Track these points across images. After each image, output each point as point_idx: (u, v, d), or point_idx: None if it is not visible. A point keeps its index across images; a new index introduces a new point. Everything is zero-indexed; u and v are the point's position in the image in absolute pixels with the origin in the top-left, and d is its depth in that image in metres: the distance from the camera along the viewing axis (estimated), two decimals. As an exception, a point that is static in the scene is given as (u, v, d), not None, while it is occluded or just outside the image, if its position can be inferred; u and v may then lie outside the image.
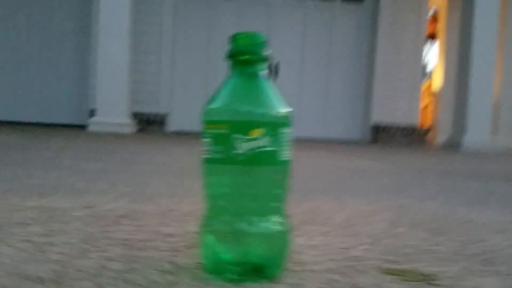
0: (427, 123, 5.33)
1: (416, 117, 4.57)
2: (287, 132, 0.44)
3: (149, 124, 4.23)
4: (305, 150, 2.57)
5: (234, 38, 0.44)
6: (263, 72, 0.44)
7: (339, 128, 4.60)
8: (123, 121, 3.56)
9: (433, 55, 5.51)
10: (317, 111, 4.57)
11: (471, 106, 3.70)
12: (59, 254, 0.50)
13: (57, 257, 0.48)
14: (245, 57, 0.44)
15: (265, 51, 0.44)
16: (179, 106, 4.30)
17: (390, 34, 4.46)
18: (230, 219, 0.43)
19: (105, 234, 0.58)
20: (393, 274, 0.47)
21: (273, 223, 0.44)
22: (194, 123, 4.17)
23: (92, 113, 3.74)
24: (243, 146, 0.42)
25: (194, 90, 4.34)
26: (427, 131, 4.64)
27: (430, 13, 5.16)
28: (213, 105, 0.43)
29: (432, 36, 5.93)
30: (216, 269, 0.44)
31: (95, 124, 3.49)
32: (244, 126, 0.42)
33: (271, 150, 0.42)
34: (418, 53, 4.55)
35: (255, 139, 0.42)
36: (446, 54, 5.00)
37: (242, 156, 0.42)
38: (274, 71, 4.06)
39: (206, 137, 0.44)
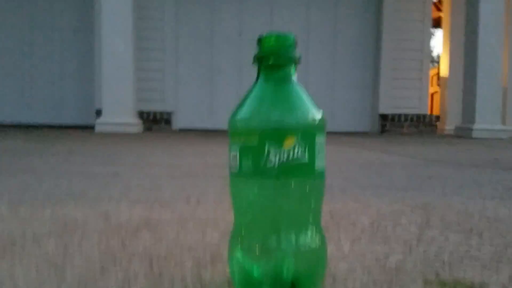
0: (435, 111, 5.28)
1: (424, 106, 4.52)
2: (322, 141, 0.41)
3: (155, 122, 4.20)
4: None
5: (262, 40, 0.40)
6: (294, 76, 0.41)
7: (345, 120, 4.56)
8: (129, 121, 3.54)
9: (438, 43, 5.46)
10: (323, 103, 4.52)
11: (479, 93, 3.65)
12: (78, 273, 0.47)
13: (76, 278, 0.45)
14: (275, 60, 0.40)
15: (295, 52, 0.41)
16: (184, 103, 4.28)
17: (395, 22, 4.40)
18: (262, 235, 0.40)
19: (124, 248, 0.55)
20: (437, 286, 0.44)
21: (308, 239, 0.40)
22: (200, 120, 4.15)
23: (98, 113, 3.72)
24: (275, 158, 0.38)
25: (198, 86, 4.31)
26: (436, 119, 4.59)
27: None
28: (241, 114, 0.40)
29: (437, 24, 5.86)
30: (247, 286, 0.41)
31: (102, 124, 3.47)
32: (277, 136, 0.38)
33: (306, 161, 0.39)
34: (425, 40, 4.49)
35: (288, 149, 0.38)
36: (452, 41, 4.94)
37: (274, 169, 0.38)
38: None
39: (233, 149, 0.40)
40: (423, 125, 4.47)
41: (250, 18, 4.27)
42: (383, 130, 4.43)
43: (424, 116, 4.48)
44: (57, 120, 4.33)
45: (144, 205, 0.82)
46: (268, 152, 0.38)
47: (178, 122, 4.30)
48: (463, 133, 3.76)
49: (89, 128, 3.78)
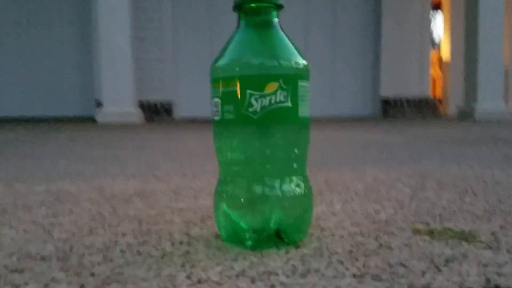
0: (438, 94, 5.25)
1: (426, 89, 4.49)
2: (305, 86, 0.40)
3: (156, 112, 4.20)
4: (314, 127, 2.52)
5: (241, -16, 0.40)
6: (276, 20, 0.40)
7: (347, 105, 4.53)
8: (130, 111, 3.53)
9: (439, 25, 5.42)
10: (324, 88, 4.50)
11: (481, 74, 3.62)
12: (66, 232, 0.46)
13: (64, 236, 0.45)
14: (255, 4, 0.39)
15: (277, -5, 0.40)
16: (185, 93, 4.26)
17: (394, 5, 4.36)
18: (247, 183, 0.39)
19: (115, 212, 0.55)
20: (425, 234, 0.43)
21: (293, 186, 0.40)
22: (201, 109, 4.14)
23: (98, 104, 3.71)
24: (257, 103, 0.38)
25: (199, 75, 4.29)
26: (438, 102, 4.56)
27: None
28: (222, 60, 0.39)
29: (436, 7, 5.82)
30: (234, 237, 0.40)
31: (103, 115, 3.47)
32: (258, 81, 0.37)
33: (289, 106, 0.38)
34: (425, 23, 4.45)
35: (270, 94, 0.38)
36: (452, 23, 4.90)
37: (256, 114, 0.38)
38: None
39: (215, 97, 0.40)
40: (425, 108, 4.44)
41: None
42: (385, 114, 4.41)
43: (426, 99, 4.45)
44: (58, 113, 4.33)
45: (139, 179, 0.82)
46: (250, 97, 0.38)
47: (179, 112, 4.29)
48: (466, 115, 3.74)
49: (91, 119, 3.78)
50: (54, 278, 0.34)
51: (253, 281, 0.33)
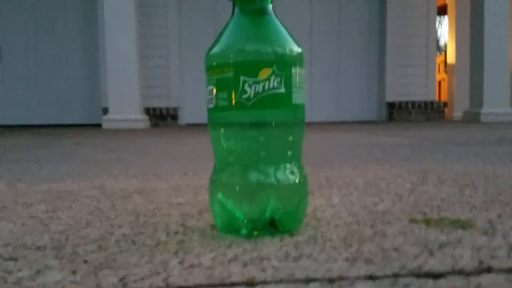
0: (443, 98, 5.23)
1: (432, 93, 4.47)
2: (300, 73, 0.40)
3: (161, 118, 4.21)
4: (319, 131, 2.52)
5: (235, -30, 0.40)
6: (270, 7, 0.40)
7: (353, 109, 4.53)
8: (136, 117, 3.55)
9: (444, 30, 5.41)
10: (330, 93, 4.50)
11: (487, 78, 3.61)
12: (63, 225, 0.47)
13: (60, 228, 0.45)
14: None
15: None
16: (190, 98, 4.28)
17: (399, 9, 4.36)
18: (241, 171, 0.39)
19: (113, 207, 0.55)
20: (422, 223, 0.43)
21: (288, 173, 0.40)
22: (206, 115, 4.14)
23: (105, 111, 3.73)
24: (250, 90, 0.38)
25: (203, 81, 4.30)
26: (444, 106, 4.54)
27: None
28: (216, 48, 0.40)
29: (442, 11, 5.81)
30: (229, 226, 0.40)
31: (109, 121, 3.49)
32: (251, 67, 0.37)
33: (282, 93, 0.38)
34: (430, 26, 4.44)
35: (264, 80, 0.38)
36: (458, 27, 4.89)
37: (250, 101, 0.38)
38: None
39: (210, 84, 0.40)
40: (431, 112, 4.43)
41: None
42: (390, 118, 4.39)
43: (432, 102, 4.44)
44: (64, 120, 4.36)
45: (141, 179, 0.82)
46: (243, 83, 0.38)
47: (185, 118, 4.31)
48: (472, 118, 3.72)
49: (97, 126, 3.80)
50: (47, 266, 0.34)
51: (244, 265, 0.32)
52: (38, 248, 0.39)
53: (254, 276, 0.30)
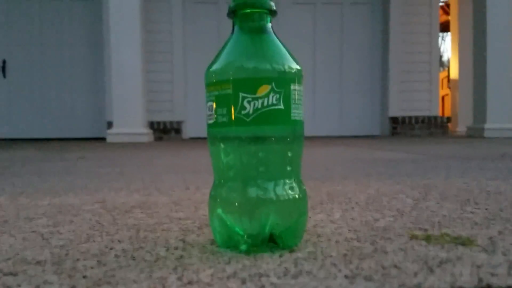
0: (447, 113, 5.23)
1: (435, 108, 4.48)
2: (298, 89, 0.40)
3: (165, 132, 4.23)
4: (322, 146, 2.52)
5: (235, -10, 0.41)
6: (269, 25, 0.41)
7: (356, 124, 4.53)
8: (140, 131, 3.56)
9: (447, 46, 5.44)
10: (333, 108, 4.51)
11: (490, 93, 3.61)
12: (63, 240, 0.47)
13: (61, 243, 0.45)
14: (248, 9, 0.40)
15: (270, 2, 0.41)
16: (194, 113, 4.29)
17: (402, 25, 4.39)
18: (240, 186, 0.39)
19: (114, 221, 0.55)
20: (422, 239, 0.43)
21: (287, 189, 0.40)
22: (210, 129, 4.15)
23: (109, 125, 3.75)
24: (250, 106, 0.38)
25: (208, 96, 4.31)
26: (447, 121, 4.54)
27: (440, 3, 5.08)
28: (216, 65, 0.40)
29: (444, 29, 5.84)
30: (228, 241, 0.40)
31: (113, 135, 3.50)
32: (251, 83, 0.38)
33: (281, 109, 0.39)
34: (433, 43, 4.46)
35: (263, 97, 0.38)
36: (461, 43, 4.91)
37: (249, 117, 0.38)
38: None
39: (209, 101, 0.40)
40: (434, 127, 4.42)
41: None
42: (393, 133, 4.39)
43: (435, 118, 4.44)
44: (69, 134, 4.38)
45: (142, 193, 0.82)
46: (242, 99, 0.38)
47: (188, 131, 4.32)
48: (475, 133, 3.72)
49: (101, 139, 3.81)
50: (47, 281, 0.34)
51: (243, 282, 0.32)
52: (38, 262, 0.39)
53: (253, 292, 0.30)
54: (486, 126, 3.59)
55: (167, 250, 0.41)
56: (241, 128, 0.38)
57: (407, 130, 4.39)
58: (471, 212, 0.56)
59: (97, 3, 4.32)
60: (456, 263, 0.35)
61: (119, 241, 0.45)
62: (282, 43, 0.41)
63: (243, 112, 0.38)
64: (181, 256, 0.39)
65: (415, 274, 0.33)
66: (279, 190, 0.39)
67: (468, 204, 0.62)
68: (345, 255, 0.38)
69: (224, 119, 0.39)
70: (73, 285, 0.33)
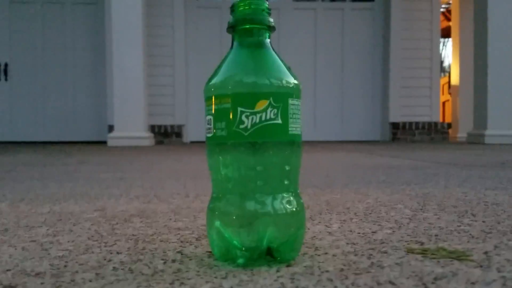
0: (447, 119, 5.24)
1: (435, 114, 4.48)
2: (296, 104, 0.41)
3: (166, 135, 4.23)
4: (322, 151, 2.52)
5: (235, 6, 0.41)
6: (268, 41, 0.41)
7: (356, 129, 4.54)
8: (141, 135, 3.57)
9: (448, 51, 5.44)
10: (333, 113, 4.52)
11: (490, 99, 3.61)
12: (63, 251, 0.47)
13: (60, 254, 0.46)
14: (248, 25, 0.41)
15: (268, 18, 0.41)
16: (194, 116, 4.30)
17: (403, 31, 4.40)
18: (238, 200, 0.40)
19: (113, 231, 0.56)
20: (419, 253, 0.43)
21: (285, 203, 0.40)
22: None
23: (111, 128, 3.76)
24: (248, 120, 0.38)
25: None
26: (448, 127, 4.54)
27: (441, 9, 5.09)
28: (215, 79, 0.41)
29: (446, 35, 5.85)
30: (226, 255, 0.41)
31: (114, 139, 3.51)
32: (249, 98, 0.38)
33: (279, 123, 0.39)
34: (434, 48, 4.47)
35: (261, 111, 0.38)
36: (462, 49, 4.92)
37: (247, 131, 0.38)
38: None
39: (208, 114, 0.41)
40: (434, 133, 4.43)
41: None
42: (394, 138, 4.40)
43: (436, 123, 4.44)
44: (70, 137, 4.39)
45: (142, 200, 0.82)
46: (241, 114, 0.38)
47: (189, 135, 4.33)
48: (476, 140, 3.72)
49: (102, 143, 3.82)
50: (45, 294, 0.34)
51: (240, 297, 0.33)
52: (37, 274, 0.39)
53: (249, 308, 0.31)
54: (487, 132, 3.59)
55: (165, 263, 0.41)
56: (239, 142, 0.39)
57: (408, 136, 4.39)
58: (468, 224, 0.56)
59: (99, 7, 4.34)
60: (451, 279, 0.35)
61: (117, 252, 0.46)
62: (280, 58, 0.41)
63: (241, 126, 0.38)
64: (179, 270, 0.39)
65: (410, 291, 0.33)
66: (277, 203, 0.40)
67: (465, 216, 0.62)
68: (341, 270, 0.39)
69: (223, 133, 0.39)
70: (71, 298, 0.33)
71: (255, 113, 0.38)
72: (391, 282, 0.35)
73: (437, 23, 4.48)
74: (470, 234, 0.51)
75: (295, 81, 0.41)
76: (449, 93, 5.51)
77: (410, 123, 4.40)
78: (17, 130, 4.40)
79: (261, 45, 0.41)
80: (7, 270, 0.40)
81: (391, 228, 0.55)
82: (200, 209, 0.71)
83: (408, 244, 0.47)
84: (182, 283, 0.36)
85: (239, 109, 0.38)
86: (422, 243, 0.47)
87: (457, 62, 5.06)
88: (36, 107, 4.43)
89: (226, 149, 0.39)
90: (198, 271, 0.39)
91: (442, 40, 5.87)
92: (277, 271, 0.38)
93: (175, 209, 0.71)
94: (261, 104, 0.38)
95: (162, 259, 0.43)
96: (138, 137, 3.53)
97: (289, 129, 0.40)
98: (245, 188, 0.40)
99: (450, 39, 5.61)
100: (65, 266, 0.41)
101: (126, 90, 3.53)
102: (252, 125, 0.38)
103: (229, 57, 0.41)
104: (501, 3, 3.58)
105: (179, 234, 0.53)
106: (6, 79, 4.41)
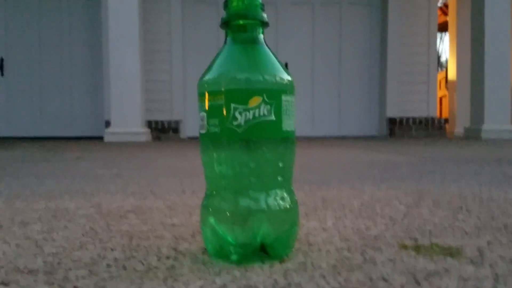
0: (444, 114, 5.24)
1: (433, 109, 4.49)
2: (290, 101, 0.41)
3: (163, 131, 4.23)
4: (320, 147, 2.52)
5: (228, 2, 0.41)
6: (261, 37, 0.41)
7: (354, 124, 4.54)
8: (138, 130, 3.56)
9: (445, 47, 5.44)
10: (331, 109, 4.52)
11: (487, 94, 3.62)
12: (56, 247, 0.47)
13: (54, 250, 0.46)
14: (241, 21, 0.40)
15: (262, 14, 0.41)
16: (191, 112, 4.29)
17: (400, 26, 4.39)
18: (232, 196, 0.40)
19: (108, 228, 0.56)
20: (412, 250, 0.43)
21: (278, 199, 0.40)
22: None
23: (107, 124, 3.75)
24: (241, 117, 0.38)
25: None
26: (445, 122, 4.55)
27: (439, 4, 5.08)
28: (208, 75, 0.40)
29: (443, 29, 5.84)
30: (220, 251, 0.41)
31: (111, 134, 3.50)
32: (242, 95, 0.38)
33: (272, 120, 0.39)
34: (431, 44, 4.47)
35: (254, 108, 0.38)
36: (459, 44, 4.92)
37: (240, 128, 0.38)
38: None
39: (202, 111, 0.41)
40: (432, 128, 4.43)
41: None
42: (391, 134, 4.40)
43: (433, 119, 4.45)
44: (67, 132, 4.38)
45: (138, 196, 0.82)
46: (234, 110, 0.38)
47: (186, 131, 4.32)
48: (472, 135, 3.73)
49: (99, 138, 3.82)
50: (38, 291, 0.34)
51: (233, 294, 0.33)
52: (31, 272, 0.39)
53: (241, 305, 0.31)
54: (484, 127, 3.60)
55: (159, 259, 0.41)
56: (232, 139, 0.39)
57: (405, 131, 4.40)
58: (462, 220, 0.57)
59: (96, 2, 4.33)
60: (443, 276, 0.36)
61: (111, 249, 0.46)
62: (274, 55, 0.41)
63: (234, 123, 0.38)
64: (172, 266, 0.39)
65: (402, 287, 0.33)
66: (270, 200, 0.40)
67: (460, 212, 0.62)
68: (334, 266, 0.39)
69: (216, 130, 0.39)
70: (64, 296, 0.33)
71: (248, 110, 0.38)
72: (383, 279, 0.35)
73: (434, 18, 4.47)
74: (464, 230, 0.51)
75: (289, 78, 0.41)
76: (446, 88, 5.52)
77: (407, 119, 4.40)
78: (13, 125, 4.39)
79: (254, 41, 0.41)
80: (0, 267, 0.40)
81: (385, 224, 0.55)
82: (196, 205, 0.71)
83: (401, 240, 0.47)
84: (175, 280, 0.36)
85: (233, 105, 0.38)
86: (416, 239, 0.47)
87: (454, 57, 5.06)
88: (33, 103, 4.42)
89: (220, 145, 0.39)
90: (192, 268, 0.39)
91: (439, 34, 5.87)
92: (270, 267, 0.38)
93: (171, 206, 0.71)
94: (255, 101, 0.38)
95: (156, 256, 0.43)
96: (135, 132, 3.53)
97: (283, 125, 0.40)
98: (238, 185, 0.40)
99: (447, 33, 5.61)
100: (59, 263, 0.41)
101: (123, 85, 3.52)
102: (246, 122, 0.38)
103: (223, 53, 0.41)
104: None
105: (173, 230, 0.53)
106: (2, 75, 4.39)
